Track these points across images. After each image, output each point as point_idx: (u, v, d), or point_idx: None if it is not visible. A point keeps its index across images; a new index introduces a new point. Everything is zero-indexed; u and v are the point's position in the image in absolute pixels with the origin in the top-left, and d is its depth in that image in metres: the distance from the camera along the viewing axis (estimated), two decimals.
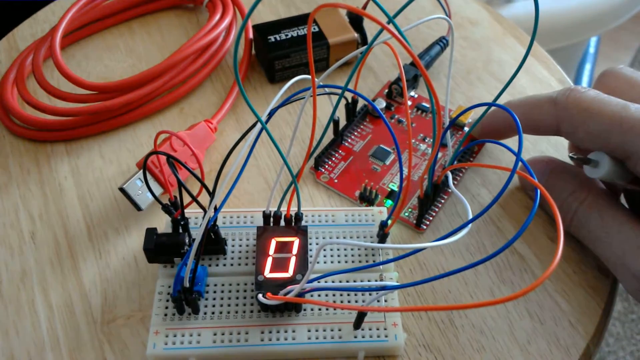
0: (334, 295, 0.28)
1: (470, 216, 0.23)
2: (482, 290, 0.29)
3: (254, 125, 0.27)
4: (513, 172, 0.23)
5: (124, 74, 0.39)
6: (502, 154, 0.35)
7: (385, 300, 0.28)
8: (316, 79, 0.27)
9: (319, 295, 0.28)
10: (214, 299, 0.28)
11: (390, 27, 0.21)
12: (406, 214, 0.32)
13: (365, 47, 0.26)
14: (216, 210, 0.27)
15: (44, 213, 0.32)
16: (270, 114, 0.28)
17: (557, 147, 0.35)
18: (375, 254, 0.29)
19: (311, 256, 0.28)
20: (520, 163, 0.24)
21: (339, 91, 0.28)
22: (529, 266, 0.30)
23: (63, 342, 0.28)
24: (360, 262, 0.29)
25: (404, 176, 0.30)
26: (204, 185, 0.27)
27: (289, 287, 0.26)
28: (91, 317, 0.28)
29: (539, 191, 0.22)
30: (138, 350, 0.27)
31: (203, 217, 0.28)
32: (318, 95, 0.29)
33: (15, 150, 0.35)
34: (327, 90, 0.31)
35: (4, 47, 0.41)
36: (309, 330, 0.27)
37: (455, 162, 0.33)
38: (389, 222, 0.29)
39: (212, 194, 0.27)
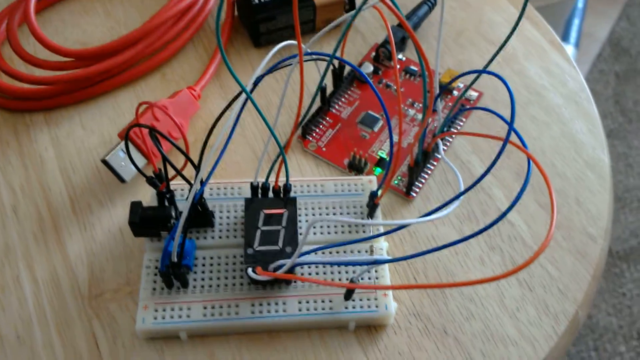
0: (324, 267, 0.27)
1: (462, 188, 0.23)
2: (472, 260, 0.29)
3: (238, 95, 0.26)
4: (505, 142, 0.23)
5: (103, 39, 0.38)
6: (492, 119, 0.35)
7: (376, 271, 0.27)
8: (303, 45, 0.26)
9: (309, 268, 0.28)
10: (203, 272, 0.27)
11: None
12: (395, 182, 0.32)
13: (353, 11, 0.25)
14: (202, 183, 0.26)
15: (25, 186, 0.31)
16: (256, 83, 0.27)
17: (548, 112, 0.35)
18: (365, 226, 0.29)
19: (301, 231, 0.27)
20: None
21: (327, 58, 0.28)
22: (518, 233, 0.30)
23: (50, 317, 0.27)
24: (350, 232, 0.29)
25: (394, 144, 0.29)
26: (188, 159, 0.26)
27: (279, 262, 0.25)
28: (78, 291, 0.28)
29: (531, 162, 0.21)
30: (127, 324, 0.27)
31: (189, 191, 0.28)
32: (305, 62, 0.28)
33: None
34: (314, 57, 0.30)
35: None
36: (300, 302, 0.27)
37: (446, 129, 0.32)
38: (379, 192, 0.28)
39: (197, 168, 0.26)
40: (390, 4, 0.20)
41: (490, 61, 0.27)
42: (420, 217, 0.22)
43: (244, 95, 0.25)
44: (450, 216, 0.31)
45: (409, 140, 0.34)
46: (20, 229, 0.30)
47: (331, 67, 0.34)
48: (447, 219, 0.31)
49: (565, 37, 1.06)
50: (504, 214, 0.20)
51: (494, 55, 0.27)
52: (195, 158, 0.26)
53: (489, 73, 0.26)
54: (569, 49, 1.05)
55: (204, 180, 0.26)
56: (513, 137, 0.29)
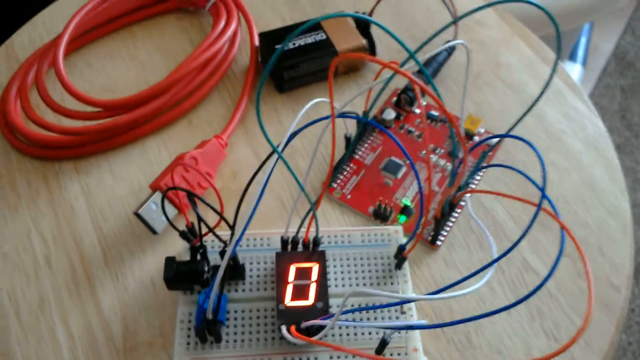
0: (354, 327, 0.28)
1: (495, 252, 0.24)
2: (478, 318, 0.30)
3: (270, 155, 0.27)
4: (538, 210, 0.23)
5: (128, 83, 0.38)
6: (518, 153, 0.35)
7: (406, 333, 0.28)
8: (326, 99, 0.27)
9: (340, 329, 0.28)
10: (235, 326, 0.28)
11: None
12: (414, 233, 0.32)
13: (388, 78, 0.26)
14: (235, 243, 0.26)
15: (57, 235, 0.32)
16: (287, 142, 0.27)
17: (568, 157, 0.36)
18: (393, 278, 0.30)
19: (330, 282, 0.28)
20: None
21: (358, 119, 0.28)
22: (545, 285, 0.31)
23: None
24: (378, 284, 0.29)
25: (423, 196, 0.30)
26: (224, 220, 0.27)
27: (313, 322, 0.26)
28: (113, 345, 0.29)
29: (564, 233, 0.22)
30: None
31: (223, 247, 0.28)
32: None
33: (22, 168, 0.35)
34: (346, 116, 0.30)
35: (2, 55, 0.40)
36: (331, 358, 0.27)
37: (470, 180, 0.33)
38: (407, 245, 0.29)
39: (232, 228, 0.26)
40: (431, 91, 0.21)
41: (518, 122, 0.28)
42: (458, 292, 0.23)
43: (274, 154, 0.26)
44: (475, 264, 0.31)
45: (432, 187, 0.34)
46: (54, 280, 0.31)
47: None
48: (473, 266, 0.31)
49: (572, 56, 1.07)
50: (545, 281, 0.21)
51: (522, 116, 0.27)
52: (224, 213, 0.27)
53: (519, 139, 0.26)
54: (577, 68, 1.06)
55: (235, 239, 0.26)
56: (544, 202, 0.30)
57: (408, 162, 0.35)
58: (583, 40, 1.10)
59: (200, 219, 0.26)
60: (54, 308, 0.30)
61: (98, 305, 0.30)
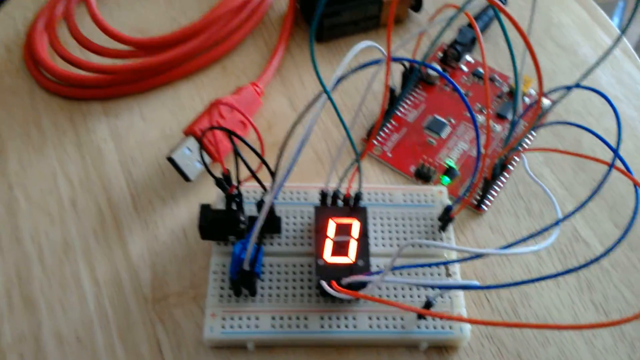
0: (395, 287, 0.27)
1: (559, 212, 0.22)
2: (547, 280, 0.28)
3: (319, 96, 0.25)
4: (610, 168, 0.21)
5: (159, 25, 0.36)
6: (564, 129, 0.33)
7: (450, 297, 0.26)
8: (377, 45, 0.25)
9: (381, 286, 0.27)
10: (271, 280, 0.27)
11: None
12: (465, 194, 0.31)
13: (442, 28, 0.24)
14: (278, 189, 0.25)
15: (84, 178, 0.30)
16: (336, 84, 0.25)
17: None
18: (436, 239, 0.28)
19: (372, 242, 0.26)
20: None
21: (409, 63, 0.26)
22: (594, 254, 0.29)
23: (112, 319, 0.27)
24: (420, 244, 0.28)
25: (480, 156, 0.28)
26: (266, 165, 0.25)
27: (355, 278, 0.24)
28: (141, 294, 0.27)
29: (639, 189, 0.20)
30: (191, 331, 0.26)
31: (261, 198, 0.27)
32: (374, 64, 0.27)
33: (47, 107, 0.33)
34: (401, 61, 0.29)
35: None
36: (370, 318, 0.26)
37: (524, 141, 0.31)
38: (455, 207, 0.27)
39: (273, 174, 0.25)
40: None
41: (586, 74, 0.26)
42: (523, 248, 0.21)
43: (321, 97, 0.24)
44: (523, 232, 0.30)
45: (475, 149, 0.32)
46: (79, 224, 0.29)
47: (402, 68, 0.33)
48: (519, 234, 0.30)
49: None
50: (606, 253, 0.19)
51: (582, 76, 0.25)
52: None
53: (593, 90, 0.24)
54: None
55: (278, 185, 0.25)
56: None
57: (452, 121, 0.33)
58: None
59: (242, 160, 0.24)
60: (79, 253, 0.28)
61: (126, 252, 0.28)
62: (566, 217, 0.21)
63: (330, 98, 0.23)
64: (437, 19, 0.28)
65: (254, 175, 0.25)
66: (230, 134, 0.24)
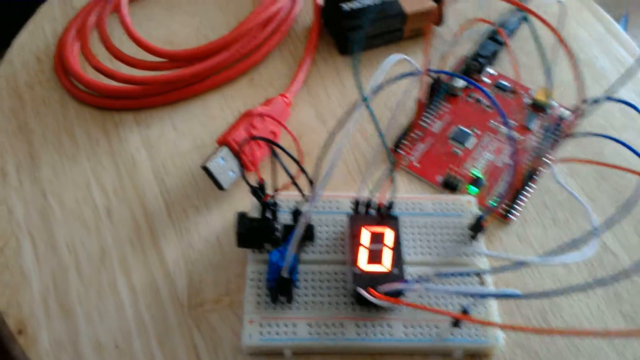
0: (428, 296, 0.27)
1: (595, 222, 0.22)
2: (575, 290, 0.29)
3: (356, 105, 0.26)
4: None
5: (189, 39, 0.37)
6: (588, 141, 0.34)
7: (485, 307, 0.27)
8: (409, 59, 0.25)
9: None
10: (306, 288, 0.27)
11: None
12: (492, 202, 0.31)
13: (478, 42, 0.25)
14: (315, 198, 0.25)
15: (119, 187, 0.31)
16: (374, 92, 0.26)
17: None
18: (467, 245, 0.29)
19: (406, 246, 0.27)
20: None
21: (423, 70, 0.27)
22: (621, 265, 0.30)
23: (150, 326, 0.27)
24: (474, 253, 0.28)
25: (515, 167, 0.28)
26: (305, 174, 0.25)
27: (393, 285, 0.25)
28: (177, 300, 0.28)
29: None
30: (228, 336, 0.27)
31: (297, 203, 0.27)
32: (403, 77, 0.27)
33: (80, 117, 0.34)
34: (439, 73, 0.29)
35: (57, 3, 0.39)
36: (405, 327, 0.26)
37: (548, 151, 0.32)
38: (485, 215, 0.28)
39: (312, 182, 0.25)
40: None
41: (613, 90, 0.27)
42: (566, 256, 0.21)
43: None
44: (550, 242, 0.30)
45: (503, 159, 0.33)
46: (115, 232, 0.30)
47: (429, 80, 0.33)
48: (547, 244, 0.30)
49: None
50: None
51: (611, 86, 0.26)
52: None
53: (622, 102, 0.25)
54: None
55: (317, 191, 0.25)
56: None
57: (477, 132, 0.34)
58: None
59: (283, 167, 0.25)
60: (115, 261, 0.29)
61: (162, 260, 0.29)
62: (609, 223, 0.22)
63: (367, 106, 0.24)
64: (465, 33, 0.29)
65: (293, 182, 0.26)
66: (270, 143, 0.25)
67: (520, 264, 0.21)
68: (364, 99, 0.24)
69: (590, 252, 0.20)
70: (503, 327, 0.24)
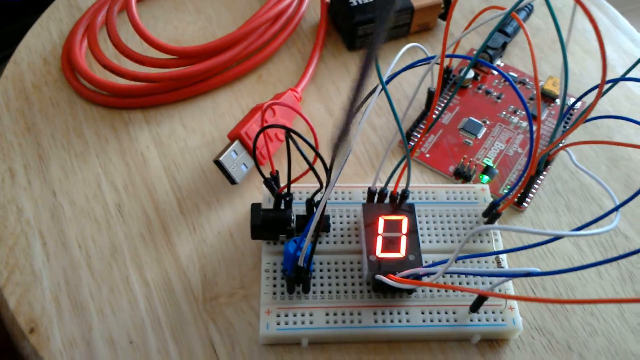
0: (450, 276, 0.27)
1: (617, 201, 0.22)
2: (590, 272, 0.29)
3: (373, 91, 0.26)
4: None
5: (196, 37, 0.37)
6: (595, 127, 0.34)
7: (499, 290, 0.27)
8: (422, 47, 0.25)
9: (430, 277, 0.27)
10: (322, 277, 0.27)
11: None
12: (505, 191, 0.31)
13: (494, 28, 0.25)
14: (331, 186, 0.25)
15: (129, 184, 0.31)
16: (390, 80, 0.26)
17: None
18: (482, 235, 0.28)
19: (422, 238, 0.27)
20: None
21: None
22: (634, 246, 0.29)
23: (164, 321, 0.27)
24: (467, 241, 0.28)
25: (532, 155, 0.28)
26: (323, 162, 0.25)
27: (411, 271, 0.25)
28: (192, 295, 0.27)
29: None
30: (244, 329, 0.26)
31: (312, 196, 0.27)
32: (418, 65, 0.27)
33: (88, 116, 0.34)
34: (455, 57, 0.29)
35: (62, 5, 0.39)
36: (423, 313, 0.26)
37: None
38: (501, 203, 0.28)
39: (329, 171, 0.25)
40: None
41: (627, 73, 0.27)
42: (577, 231, 0.21)
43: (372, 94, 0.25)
44: (562, 225, 0.30)
45: (514, 149, 0.33)
46: (126, 228, 0.29)
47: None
48: (559, 227, 0.30)
49: None
50: None
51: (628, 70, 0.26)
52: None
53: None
54: None
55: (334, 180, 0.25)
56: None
57: (487, 122, 0.34)
58: None
59: (302, 155, 0.24)
60: (127, 257, 0.29)
61: (175, 255, 0.28)
62: (623, 203, 0.22)
63: (385, 90, 0.24)
64: (474, 24, 0.29)
65: (311, 167, 0.25)
66: (288, 130, 0.24)
67: (556, 238, 0.21)
68: (382, 82, 0.24)
69: (615, 223, 0.20)
70: (525, 299, 0.23)
